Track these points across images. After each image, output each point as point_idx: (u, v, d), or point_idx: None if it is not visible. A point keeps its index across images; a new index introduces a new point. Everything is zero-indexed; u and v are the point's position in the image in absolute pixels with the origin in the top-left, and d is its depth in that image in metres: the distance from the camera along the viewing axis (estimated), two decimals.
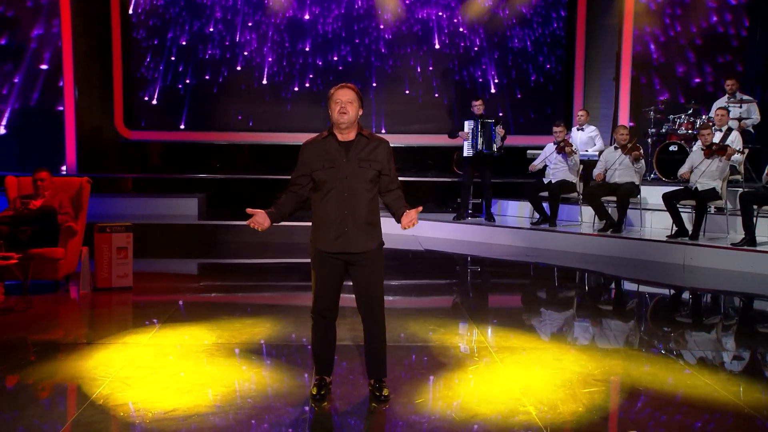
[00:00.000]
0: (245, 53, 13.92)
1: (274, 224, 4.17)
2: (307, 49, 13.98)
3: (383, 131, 13.58)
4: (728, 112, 10.24)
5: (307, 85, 13.97)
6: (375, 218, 4.18)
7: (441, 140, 12.44)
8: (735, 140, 9.73)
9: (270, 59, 13.94)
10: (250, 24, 13.91)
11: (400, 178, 4.33)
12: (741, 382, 4.83)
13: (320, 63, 13.97)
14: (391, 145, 4.30)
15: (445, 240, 10.81)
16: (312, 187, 4.19)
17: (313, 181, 4.16)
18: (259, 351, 5.29)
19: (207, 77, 13.90)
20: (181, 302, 6.88)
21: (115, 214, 10.58)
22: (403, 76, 14.05)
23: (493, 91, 13.97)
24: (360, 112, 4.17)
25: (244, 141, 13.88)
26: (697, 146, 9.90)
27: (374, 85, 13.97)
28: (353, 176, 4.08)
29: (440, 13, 14.07)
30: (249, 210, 4.12)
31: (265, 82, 13.95)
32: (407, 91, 13.98)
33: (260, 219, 4.11)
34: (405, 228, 4.13)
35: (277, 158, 13.57)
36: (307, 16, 13.98)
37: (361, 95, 4.19)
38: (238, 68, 13.91)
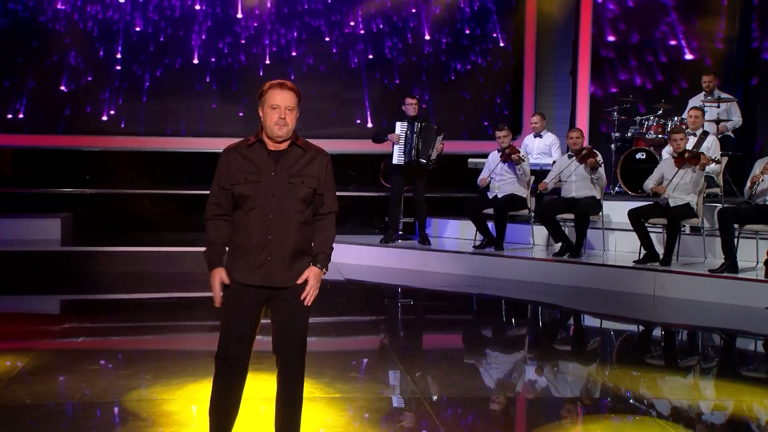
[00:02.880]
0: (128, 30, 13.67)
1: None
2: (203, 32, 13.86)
3: None
4: (703, 113, 10.55)
5: (207, 80, 13.80)
6: (307, 246, 4.12)
7: (365, 146, 12.44)
8: (711, 146, 10.02)
9: (161, 41, 13.72)
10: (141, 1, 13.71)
11: None
12: None
13: (220, 46, 13.83)
14: None
15: (371, 267, 10.81)
16: (233, 203, 4.11)
17: (233, 197, 4.08)
18: (137, 408, 5.16)
19: (73, 63, 13.58)
20: (37, 350, 6.67)
21: None
22: (319, 66, 14.01)
23: (424, 92, 14.04)
24: (296, 115, 4.12)
25: (124, 147, 13.62)
26: (666, 151, 10.14)
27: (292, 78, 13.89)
28: (282, 194, 4.02)
29: None
30: (216, 293, 4.07)
31: (154, 72, 13.71)
32: (323, 86, 13.94)
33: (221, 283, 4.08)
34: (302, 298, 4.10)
35: (168, 169, 13.33)
36: None
37: (300, 96, 4.13)
38: (117, 54, 13.65)
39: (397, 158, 10.95)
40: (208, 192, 4.15)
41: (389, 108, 13.24)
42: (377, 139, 11.15)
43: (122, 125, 13.68)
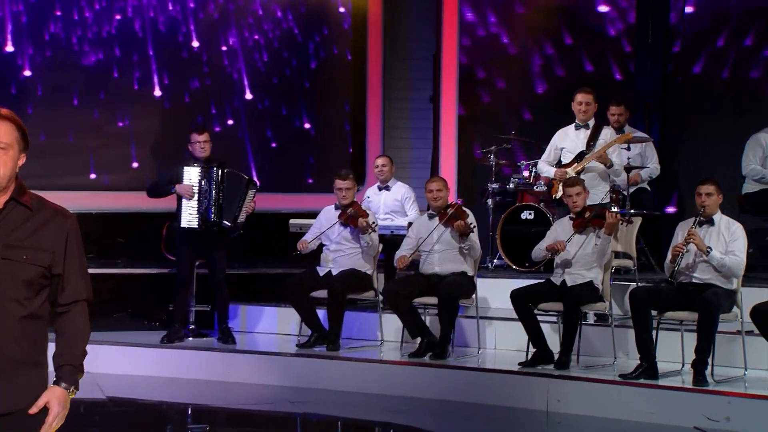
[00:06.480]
0: None
1: None
2: None
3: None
4: (596, 100, 10.62)
5: None
6: (37, 353, 4.03)
7: (140, 201, 12.34)
8: (612, 150, 10.21)
9: None
10: None
11: None
12: None
13: None
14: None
15: (147, 379, 10.62)
16: None
17: None
18: None
19: None
20: None
21: None
22: (73, 82, 13.78)
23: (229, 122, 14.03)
24: (22, 161, 3.99)
25: None
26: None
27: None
28: None
29: None
30: None
31: None
32: (76, 112, 13.72)
33: None
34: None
35: None
36: None
37: (25, 130, 3.99)
38: None
39: (189, 221, 10.74)
40: None
41: (177, 145, 13.19)
42: (156, 192, 10.88)
43: None
